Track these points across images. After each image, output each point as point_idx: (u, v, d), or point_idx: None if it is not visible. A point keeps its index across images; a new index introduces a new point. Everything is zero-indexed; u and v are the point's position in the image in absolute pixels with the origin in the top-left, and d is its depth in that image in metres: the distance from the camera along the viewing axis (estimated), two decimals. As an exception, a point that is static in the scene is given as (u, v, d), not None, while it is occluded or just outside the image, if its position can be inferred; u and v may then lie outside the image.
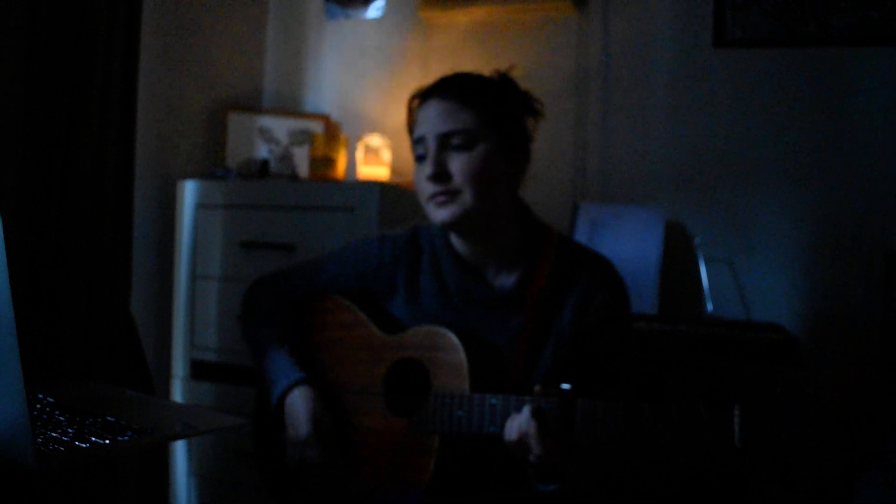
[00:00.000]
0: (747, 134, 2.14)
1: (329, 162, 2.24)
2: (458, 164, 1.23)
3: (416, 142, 1.28)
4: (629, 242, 2.05)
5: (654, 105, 2.23)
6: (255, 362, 1.43)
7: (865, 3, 2.02)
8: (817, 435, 0.92)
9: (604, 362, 1.26)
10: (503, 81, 1.31)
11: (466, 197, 1.23)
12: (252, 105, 2.59)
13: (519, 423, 1.09)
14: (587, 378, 1.24)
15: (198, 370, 2.14)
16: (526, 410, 1.09)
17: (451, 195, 1.23)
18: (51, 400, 1.11)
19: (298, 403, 1.31)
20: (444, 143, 1.24)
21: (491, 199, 1.25)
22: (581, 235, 2.07)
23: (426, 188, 1.25)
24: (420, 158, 1.27)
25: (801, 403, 0.93)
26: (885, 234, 1.99)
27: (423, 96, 1.30)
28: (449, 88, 1.26)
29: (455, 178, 1.23)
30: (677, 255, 2.11)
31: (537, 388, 1.11)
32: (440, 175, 1.23)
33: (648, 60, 2.24)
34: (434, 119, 1.25)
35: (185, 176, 2.26)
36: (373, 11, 2.55)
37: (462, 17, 2.41)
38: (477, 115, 1.23)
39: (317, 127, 2.48)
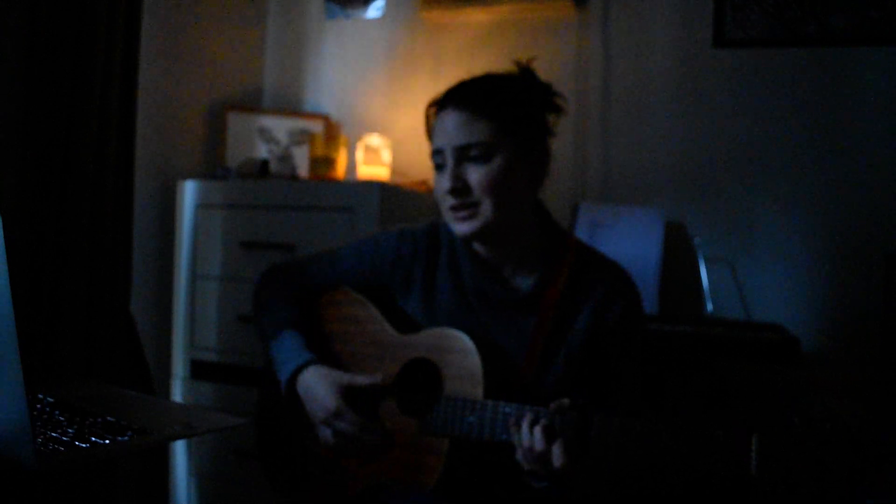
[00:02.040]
0: (747, 134, 2.14)
1: (329, 162, 2.24)
2: (476, 177, 1.22)
3: (435, 152, 1.27)
4: (629, 242, 2.05)
5: (654, 105, 2.23)
6: (264, 347, 1.42)
7: (865, 3, 2.02)
8: (825, 445, 0.92)
9: (615, 370, 1.26)
10: (523, 78, 1.29)
11: (486, 209, 1.23)
12: (252, 105, 2.59)
13: (532, 436, 1.09)
14: (597, 385, 1.24)
15: (198, 370, 2.14)
16: (540, 424, 1.09)
17: (471, 208, 1.23)
18: (51, 400, 1.11)
19: (315, 380, 1.29)
20: (462, 155, 1.23)
21: (510, 208, 1.25)
22: (581, 235, 2.07)
23: (446, 200, 1.25)
24: (439, 168, 1.27)
25: (818, 434, 0.93)
26: (885, 234, 1.99)
27: (440, 105, 1.28)
28: (465, 97, 1.25)
29: (474, 191, 1.22)
30: (677, 255, 2.11)
31: (553, 405, 1.10)
32: (459, 189, 1.23)
33: (648, 60, 2.24)
34: (451, 131, 1.24)
35: (185, 176, 2.26)
36: (373, 11, 2.55)
37: (462, 18, 2.41)
38: (494, 125, 1.22)
39: (317, 127, 2.48)
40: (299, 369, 1.31)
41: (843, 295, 2.03)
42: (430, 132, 1.31)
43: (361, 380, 1.28)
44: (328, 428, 1.28)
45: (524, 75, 1.29)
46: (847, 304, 2.03)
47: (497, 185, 1.22)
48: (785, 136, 2.11)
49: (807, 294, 2.06)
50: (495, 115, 1.22)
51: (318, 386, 1.28)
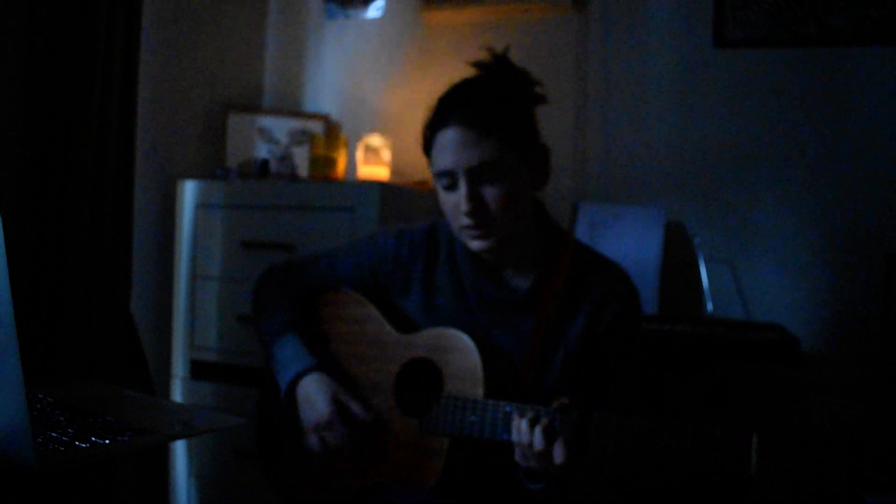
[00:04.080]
0: (747, 134, 2.14)
1: (329, 162, 2.24)
2: (492, 197, 1.20)
3: (443, 174, 1.23)
4: (629, 242, 2.05)
5: (654, 105, 2.23)
6: (265, 350, 1.42)
7: (865, 2, 2.02)
8: (826, 448, 0.92)
9: (613, 370, 1.26)
10: (500, 66, 1.27)
11: (503, 226, 1.22)
12: (252, 105, 2.59)
13: (532, 435, 1.09)
14: (595, 385, 1.24)
15: (198, 370, 2.14)
16: (541, 423, 1.09)
17: (488, 226, 1.22)
18: (51, 400, 1.11)
19: (314, 388, 1.30)
20: (475, 176, 1.20)
21: (522, 218, 1.25)
22: (581, 235, 2.07)
23: (460, 219, 1.23)
24: (448, 188, 1.23)
25: (817, 434, 0.93)
26: (885, 235, 1.99)
27: (440, 123, 1.23)
28: (468, 115, 1.20)
29: (490, 210, 1.21)
30: (677, 255, 2.11)
31: (555, 403, 1.11)
32: (478, 210, 1.21)
33: (648, 60, 2.24)
34: (459, 152, 1.20)
35: (185, 176, 2.26)
36: (373, 11, 2.55)
37: (462, 17, 2.41)
38: (500, 140, 1.19)
39: (317, 127, 2.48)
40: (300, 375, 1.32)
41: (843, 295, 2.03)
42: (430, 152, 1.26)
43: (356, 408, 1.29)
44: (315, 436, 1.30)
45: (500, 63, 1.27)
46: (847, 304, 2.03)
47: (512, 203, 1.21)
48: (785, 137, 2.10)
49: (807, 294, 2.06)
50: (500, 130, 1.20)
51: (316, 394, 1.29)
